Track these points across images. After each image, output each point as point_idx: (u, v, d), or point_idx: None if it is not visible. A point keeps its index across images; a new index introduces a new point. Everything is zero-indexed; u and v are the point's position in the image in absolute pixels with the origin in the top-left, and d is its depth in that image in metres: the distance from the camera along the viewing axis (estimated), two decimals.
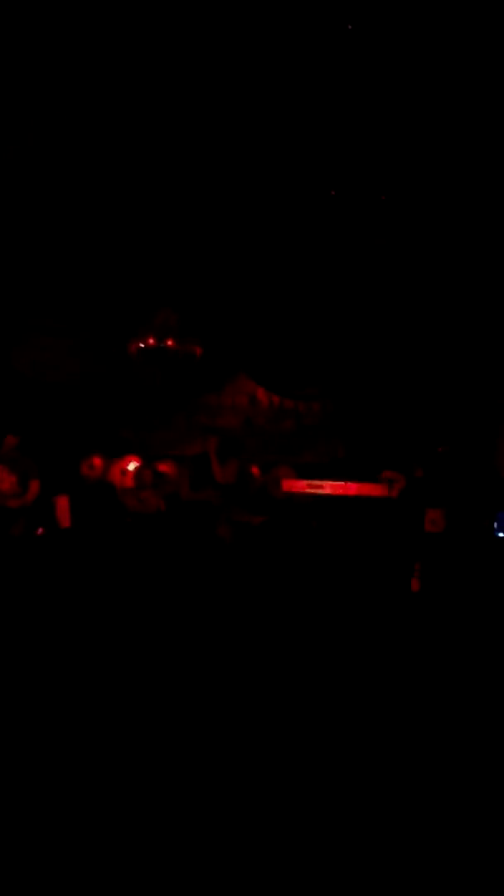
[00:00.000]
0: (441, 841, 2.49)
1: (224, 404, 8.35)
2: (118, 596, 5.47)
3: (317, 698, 3.75)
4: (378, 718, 3.49)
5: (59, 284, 7.34)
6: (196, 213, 7.17)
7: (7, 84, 5.96)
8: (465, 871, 2.33)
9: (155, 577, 5.88)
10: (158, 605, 5.28)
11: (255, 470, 7.63)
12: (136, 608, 5.21)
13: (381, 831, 2.55)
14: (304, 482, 7.41)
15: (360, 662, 4.32)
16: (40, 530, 6.51)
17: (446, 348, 7.58)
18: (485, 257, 7.34)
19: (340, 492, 7.25)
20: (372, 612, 5.38)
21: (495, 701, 3.73)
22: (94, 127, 6.37)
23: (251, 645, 4.55)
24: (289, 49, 5.83)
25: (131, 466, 7.57)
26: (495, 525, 6.58)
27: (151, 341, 7.29)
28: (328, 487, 7.29)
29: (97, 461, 7.65)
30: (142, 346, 7.37)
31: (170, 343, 7.37)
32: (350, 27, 5.77)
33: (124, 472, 7.67)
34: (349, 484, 7.23)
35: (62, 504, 6.65)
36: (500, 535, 6.63)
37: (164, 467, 7.77)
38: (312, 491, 7.35)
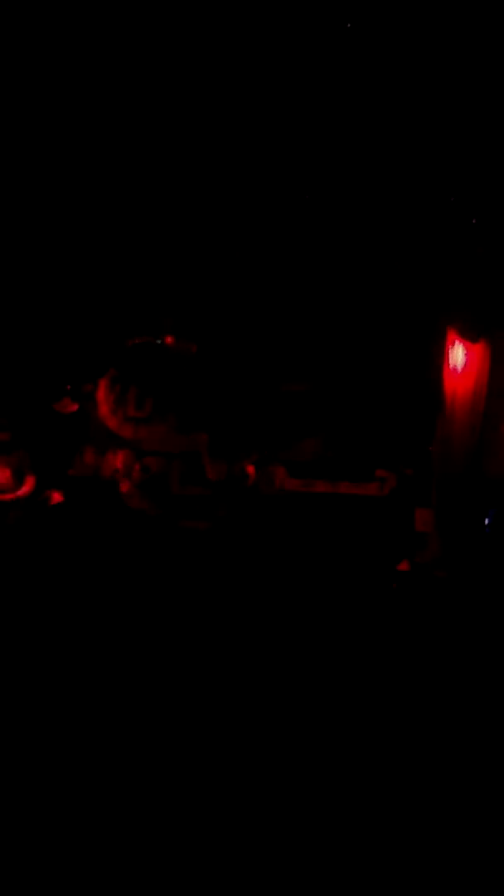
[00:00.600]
0: (441, 836, 2.53)
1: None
2: (110, 590, 5.49)
3: (306, 694, 3.79)
4: (368, 713, 3.53)
5: (55, 279, 7.34)
6: (193, 212, 7.19)
7: (7, 84, 5.96)
8: (465, 871, 2.38)
9: (147, 572, 5.91)
10: (150, 600, 5.31)
11: (248, 467, 7.66)
12: (128, 602, 5.24)
13: (380, 823, 2.60)
14: (297, 480, 7.46)
15: (350, 659, 4.37)
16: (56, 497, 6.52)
17: (438, 348, 7.64)
18: (477, 257, 7.40)
19: (332, 490, 7.31)
20: (362, 608, 5.43)
21: (488, 696, 3.80)
22: (92, 128, 6.38)
23: (242, 640, 4.59)
24: (289, 48, 5.86)
25: (124, 462, 7.60)
26: (486, 521, 6.67)
27: (148, 339, 7.32)
28: (320, 486, 7.34)
29: (90, 456, 7.67)
30: (137, 342, 7.39)
31: (166, 340, 7.40)
32: (349, 25, 5.81)
33: (117, 468, 7.69)
34: (341, 483, 7.29)
35: (56, 498, 6.68)
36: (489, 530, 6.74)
37: (155, 463, 7.80)
38: (304, 489, 7.40)
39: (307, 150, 6.57)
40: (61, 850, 2.36)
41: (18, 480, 6.71)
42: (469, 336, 7.48)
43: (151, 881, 2.25)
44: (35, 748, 3.01)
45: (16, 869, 2.25)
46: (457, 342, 7.48)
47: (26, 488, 6.71)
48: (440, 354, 7.44)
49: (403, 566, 6.55)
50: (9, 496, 6.69)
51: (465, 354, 7.47)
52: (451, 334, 7.48)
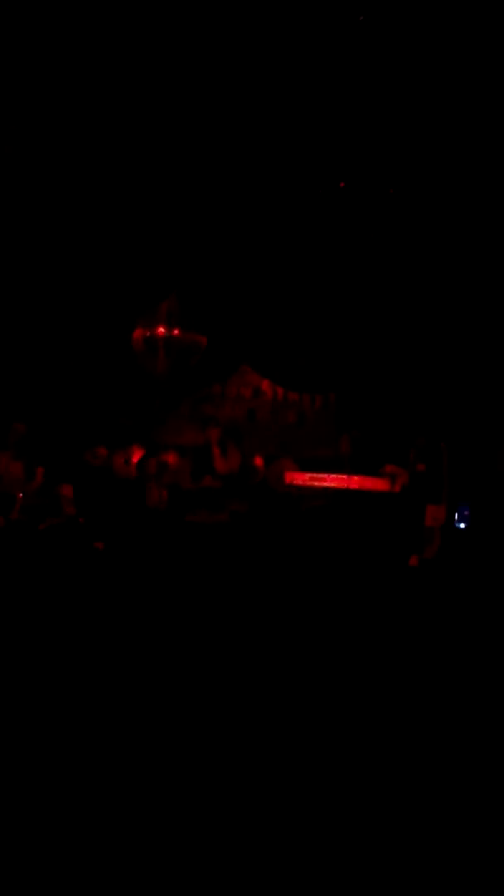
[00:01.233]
0: (442, 838, 2.53)
1: (228, 395, 8.38)
2: (119, 583, 5.51)
3: (314, 689, 3.79)
4: (375, 710, 3.53)
5: (64, 271, 7.34)
6: (202, 204, 7.17)
7: (12, 77, 5.95)
8: (466, 871, 2.38)
9: (157, 565, 5.92)
10: (160, 593, 5.31)
11: (258, 461, 7.66)
12: (137, 595, 5.24)
13: (382, 823, 2.59)
14: (307, 475, 7.44)
15: (358, 655, 4.36)
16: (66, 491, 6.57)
17: (450, 343, 7.60)
18: (490, 252, 7.35)
19: (342, 485, 7.28)
20: (372, 604, 5.42)
21: (490, 694, 3.79)
22: (99, 117, 6.36)
23: (250, 635, 4.59)
24: (293, 42, 5.82)
25: (135, 456, 7.60)
26: (455, 517, 6.68)
27: (159, 331, 7.31)
28: (330, 481, 7.32)
29: (101, 450, 7.68)
30: (147, 335, 7.39)
31: (175, 333, 7.39)
32: (361, 18, 5.76)
33: (128, 461, 7.69)
34: (351, 477, 7.26)
35: (67, 492, 6.69)
36: (461, 526, 6.74)
37: (167, 457, 7.80)
38: (315, 484, 7.38)
39: (319, 145, 6.53)
40: (61, 850, 2.37)
41: (29, 474, 6.74)
42: None
43: (151, 881, 2.25)
44: (37, 747, 3.01)
45: (16, 869, 2.26)
46: None
47: (36, 482, 6.73)
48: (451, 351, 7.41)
49: (413, 562, 6.55)
50: (20, 490, 6.71)
51: None
52: None
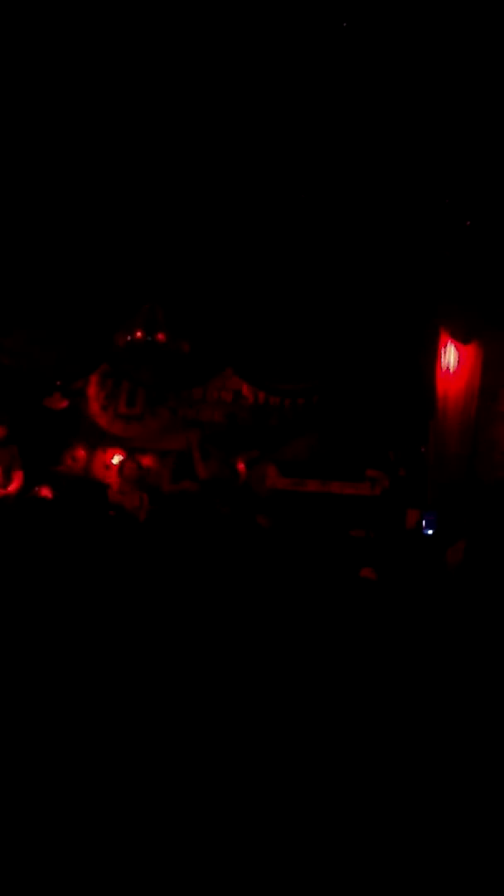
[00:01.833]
0: (441, 840, 2.52)
1: (209, 399, 8.36)
2: (99, 587, 5.46)
3: (294, 695, 3.77)
4: (358, 714, 3.52)
5: (43, 275, 7.29)
6: (184, 207, 7.16)
7: (7, 81, 5.92)
8: (466, 871, 2.37)
9: (136, 570, 5.88)
10: (141, 598, 5.28)
11: (239, 465, 7.65)
12: (118, 600, 5.20)
13: (380, 824, 2.58)
14: (288, 479, 7.45)
15: (337, 659, 4.35)
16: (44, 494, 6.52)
17: (431, 349, 7.64)
18: (472, 259, 7.40)
19: (323, 490, 7.30)
20: (352, 608, 5.42)
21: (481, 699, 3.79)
22: (85, 122, 6.34)
23: (230, 639, 4.55)
24: (282, 48, 5.83)
25: (115, 459, 7.57)
26: (423, 523, 6.68)
27: (139, 335, 7.28)
28: (311, 485, 7.33)
29: (80, 453, 7.64)
30: (129, 339, 7.35)
31: (157, 337, 7.36)
32: (345, 24, 5.78)
33: (108, 465, 7.66)
34: (332, 482, 7.28)
35: (45, 495, 6.63)
36: (429, 532, 6.74)
37: (147, 461, 7.77)
38: (295, 488, 7.39)
39: (301, 149, 6.54)
40: (61, 850, 2.34)
41: (7, 477, 6.67)
42: (461, 337, 7.49)
43: (151, 881, 2.23)
44: (40, 746, 2.98)
45: (16, 869, 2.23)
46: (449, 343, 7.50)
47: (15, 485, 6.67)
48: (432, 355, 7.45)
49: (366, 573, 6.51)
50: None
51: (457, 355, 7.49)
52: (444, 335, 7.49)
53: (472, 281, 7.28)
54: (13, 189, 6.77)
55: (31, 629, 4.38)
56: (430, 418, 7.38)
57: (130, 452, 7.72)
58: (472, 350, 7.49)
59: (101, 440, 8.00)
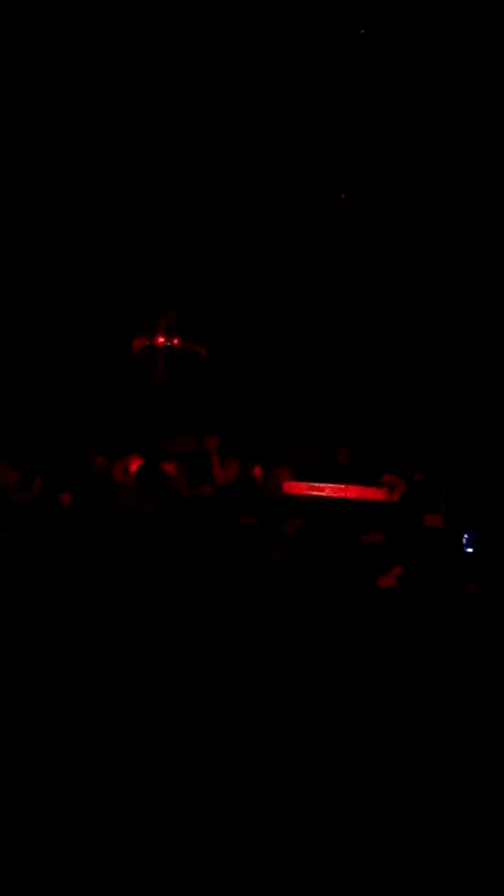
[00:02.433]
0: (441, 841, 2.53)
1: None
2: (116, 592, 5.51)
3: (307, 702, 3.80)
4: (369, 722, 3.53)
5: (62, 279, 7.37)
6: (201, 214, 7.20)
7: (8, 82, 5.98)
8: (466, 872, 2.38)
9: (154, 576, 5.92)
10: (156, 603, 5.32)
11: (256, 470, 7.67)
12: (133, 605, 5.25)
13: (380, 828, 2.60)
14: (304, 484, 7.45)
15: (354, 667, 4.37)
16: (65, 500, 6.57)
17: (450, 351, 7.62)
18: (490, 262, 7.38)
19: (340, 495, 7.29)
20: (368, 615, 5.42)
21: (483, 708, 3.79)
22: (98, 123, 6.40)
23: (244, 646, 4.59)
24: (294, 48, 5.85)
25: (134, 465, 7.61)
26: (463, 540, 6.55)
27: (157, 340, 7.33)
28: (328, 490, 7.32)
29: (100, 459, 7.69)
30: (147, 344, 7.40)
31: (175, 342, 7.40)
32: (363, 31, 5.79)
33: (127, 470, 7.71)
34: (349, 487, 7.27)
35: (66, 500, 6.69)
36: (469, 550, 6.61)
37: (166, 466, 7.81)
38: (312, 493, 7.39)
39: (315, 153, 6.56)
40: (61, 850, 2.38)
41: (27, 482, 6.74)
42: None
43: (151, 881, 2.26)
44: (44, 746, 3.03)
45: (15, 869, 2.27)
46: None
47: (34, 489, 6.74)
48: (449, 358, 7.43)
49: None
50: (19, 498, 6.72)
51: None
52: None
53: (483, 285, 7.25)
54: (35, 194, 6.84)
55: (46, 633, 4.44)
56: (448, 423, 7.36)
57: (149, 458, 7.75)
58: None
59: (121, 445, 8.05)
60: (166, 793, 2.78)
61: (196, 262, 7.54)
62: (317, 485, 7.33)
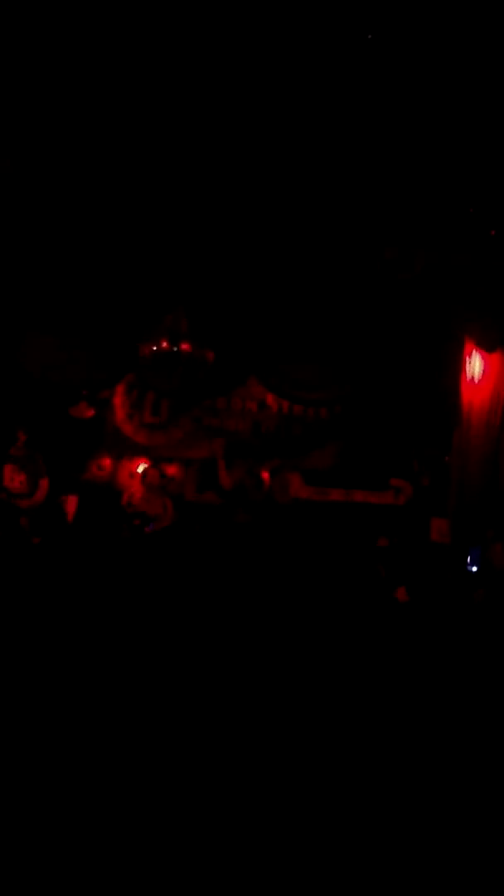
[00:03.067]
0: (442, 842, 2.51)
1: (233, 408, 8.38)
2: (121, 596, 5.49)
3: (309, 708, 3.76)
4: (371, 729, 3.50)
5: (69, 284, 7.38)
6: (208, 217, 7.20)
7: (11, 86, 6.00)
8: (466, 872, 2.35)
9: (159, 579, 5.91)
10: (161, 607, 5.30)
11: (263, 475, 7.66)
12: (138, 609, 5.24)
13: (381, 830, 2.58)
14: (311, 488, 7.44)
15: (359, 671, 4.34)
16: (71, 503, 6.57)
17: (455, 358, 7.59)
18: (497, 268, 7.35)
19: (347, 499, 7.28)
20: (374, 620, 5.39)
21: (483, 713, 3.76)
22: (104, 126, 6.41)
23: (249, 650, 4.56)
24: (300, 52, 5.85)
25: (140, 468, 7.63)
26: (468, 559, 6.41)
27: (164, 345, 7.32)
28: (335, 494, 7.32)
29: (106, 462, 7.71)
30: (154, 349, 7.40)
31: (183, 347, 7.40)
32: (370, 36, 5.79)
33: (132, 473, 7.72)
34: (356, 491, 7.26)
35: (71, 503, 6.71)
36: (473, 569, 6.49)
37: (171, 470, 7.82)
38: (319, 497, 7.38)
39: (318, 148, 6.54)
40: (61, 850, 2.37)
41: (33, 485, 6.75)
42: (486, 345, 7.42)
43: (151, 881, 2.25)
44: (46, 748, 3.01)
45: (15, 869, 2.25)
46: (474, 352, 7.43)
47: (40, 493, 6.75)
48: (457, 364, 7.39)
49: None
50: (24, 502, 6.73)
51: (483, 364, 7.42)
52: (469, 344, 7.43)
53: (497, 289, 7.22)
54: (38, 198, 6.86)
55: (45, 637, 4.43)
56: (454, 427, 7.32)
57: (155, 461, 7.77)
58: (497, 359, 7.42)
59: (127, 449, 8.07)
60: (164, 797, 2.77)
61: (202, 267, 7.53)
62: (323, 489, 7.33)
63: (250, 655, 4.44)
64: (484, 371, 7.41)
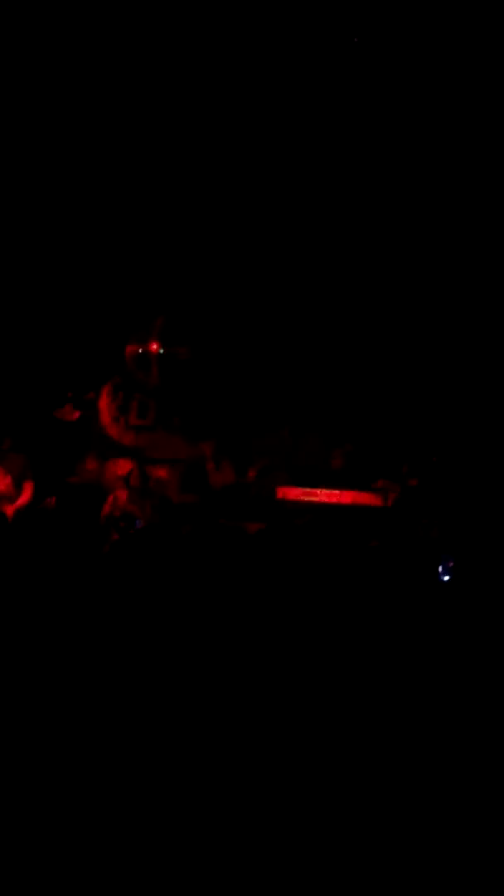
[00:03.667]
0: (442, 842, 2.48)
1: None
2: (106, 598, 5.44)
3: (299, 706, 3.73)
4: (360, 724, 3.48)
5: (55, 287, 7.35)
6: (193, 221, 7.19)
7: (6, 86, 5.97)
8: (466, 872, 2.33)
9: (145, 580, 5.86)
10: (148, 609, 5.26)
11: (250, 475, 7.64)
12: (124, 611, 5.19)
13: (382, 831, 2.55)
14: (299, 489, 7.41)
15: (351, 671, 4.31)
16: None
17: (443, 358, 7.60)
18: (484, 268, 7.37)
19: (335, 500, 7.25)
20: (362, 620, 5.37)
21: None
22: (92, 131, 6.39)
23: (240, 652, 4.52)
24: (286, 55, 5.85)
25: (125, 469, 7.58)
26: (440, 569, 6.34)
27: (151, 347, 7.31)
28: (322, 495, 7.29)
29: (92, 464, 7.66)
30: (139, 351, 7.38)
31: (167, 349, 7.39)
32: (356, 40, 5.79)
33: (119, 475, 7.67)
34: (344, 492, 7.23)
35: (56, 506, 6.65)
36: (445, 578, 6.42)
37: (157, 470, 7.78)
38: (307, 498, 7.35)
39: (304, 162, 6.56)
40: (61, 850, 2.33)
41: (18, 488, 6.69)
42: None
43: (151, 881, 2.21)
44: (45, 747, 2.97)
45: (15, 869, 2.22)
46: None
47: (25, 496, 6.69)
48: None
49: None
50: (9, 504, 6.66)
51: None
52: None
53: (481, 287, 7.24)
54: (26, 200, 6.82)
55: (32, 639, 4.37)
56: (442, 428, 7.33)
57: (142, 463, 7.72)
58: None
59: (113, 451, 8.02)
60: (155, 796, 2.73)
61: (188, 266, 7.52)
62: (311, 490, 7.30)
63: (239, 655, 4.40)
64: None
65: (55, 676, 3.85)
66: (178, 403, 8.12)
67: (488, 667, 4.34)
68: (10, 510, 6.55)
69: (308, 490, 7.38)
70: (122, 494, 7.22)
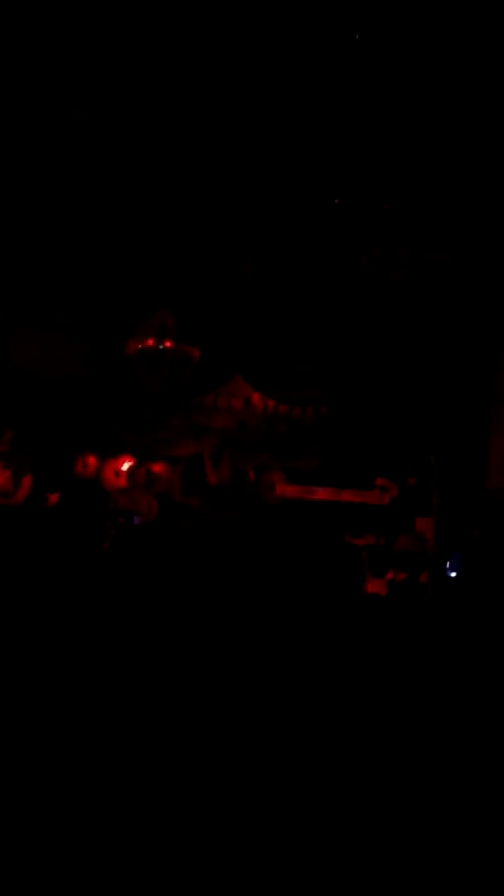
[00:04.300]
0: (442, 842, 2.50)
1: (219, 406, 8.35)
2: (106, 595, 5.47)
3: (296, 706, 3.75)
4: (357, 726, 3.49)
5: (57, 280, 7.34)
6: (196, 215, 7.18)
7: (3, 83, 5.96)
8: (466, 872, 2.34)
9: (145, 578, 5.88)
10: (147, 606, 5.28)
11: (249, 473, 7.65)
12: (124, 608, 5.21)
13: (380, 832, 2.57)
14: (297, 487, 7.43)
15: (345, 670, 4.33)
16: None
17: (442, 356, 7.60)
18: (483, 267, 7.36)
19: (333, 498, 7.27)
20: (361, 619, 5.39)
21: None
22: (93, 125, 6.38)
23: (235, 650, 4.54)
24: (291, 52, 5.83)
25: (125, 466, 7.59)
26: (447, 565, 6.34)
27: (150, 342, 7.28)
28: (321, 493, 7.31)
29: (91, 460, 7.67)
30: (140, 346, 7.36)
31: (168, 345, 7.36)
32: (357, 36, 5.78)
33: (118, 471, 7.68)
34: (342, 490, 7.26)
35: (55, 502, 6.67)
36: (452, 574, 6.43)
37: (157, 468, 7.79)
38: (305, 496, 7.37)
39: (307, 161, 6.55)
40: (61, 850, 2.35)
41: (17, 483, 6.70)
42: None
43: (151, 881, 2.23)
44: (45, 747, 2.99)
45: (15, 869, 2.24)
46: None
47: (23, 491, 6.70)
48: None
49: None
50: (7, 499, 6.68)
51: None
52: None
53: (479, 287, 7.23)
54: (26, 195, 6.82)
55: (30, 637, 4.39)
56: (440, 426, 7.34)
57: (141, 460, 7.74)
58: None
59: (113, 447, 8.03)
60: (151, 797, 2.75)
61: (191, 264, 7.51)
62: (309, 487, 7.32)
63: (236, 654, 4.41)
64: None
65: (54, 674, 3.87)
66: (179, 400, 8.13)
67: (488, 667, 4.36)
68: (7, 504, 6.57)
69: (306, 487, 7.41)
70: (122, 491, 7.25)
